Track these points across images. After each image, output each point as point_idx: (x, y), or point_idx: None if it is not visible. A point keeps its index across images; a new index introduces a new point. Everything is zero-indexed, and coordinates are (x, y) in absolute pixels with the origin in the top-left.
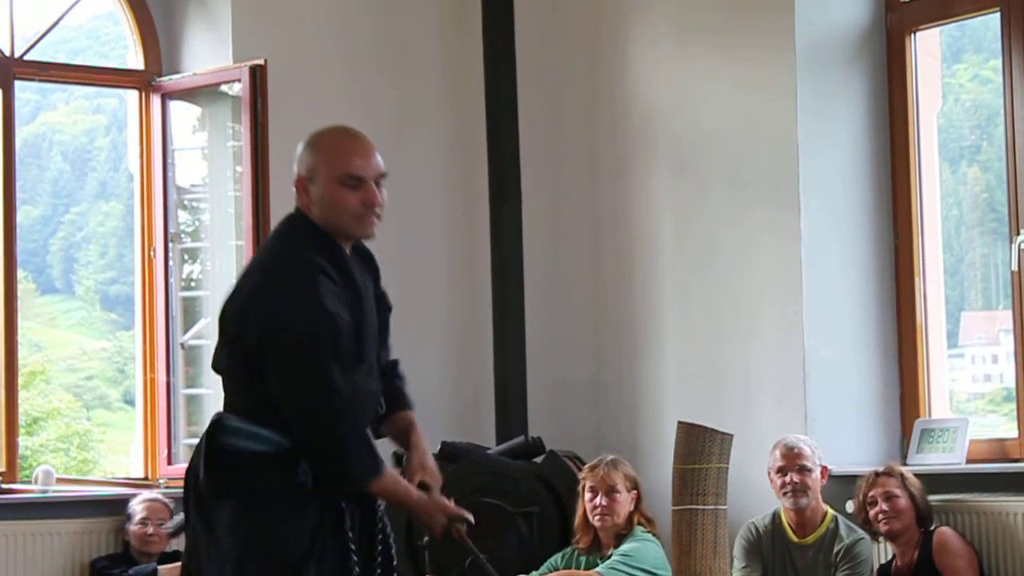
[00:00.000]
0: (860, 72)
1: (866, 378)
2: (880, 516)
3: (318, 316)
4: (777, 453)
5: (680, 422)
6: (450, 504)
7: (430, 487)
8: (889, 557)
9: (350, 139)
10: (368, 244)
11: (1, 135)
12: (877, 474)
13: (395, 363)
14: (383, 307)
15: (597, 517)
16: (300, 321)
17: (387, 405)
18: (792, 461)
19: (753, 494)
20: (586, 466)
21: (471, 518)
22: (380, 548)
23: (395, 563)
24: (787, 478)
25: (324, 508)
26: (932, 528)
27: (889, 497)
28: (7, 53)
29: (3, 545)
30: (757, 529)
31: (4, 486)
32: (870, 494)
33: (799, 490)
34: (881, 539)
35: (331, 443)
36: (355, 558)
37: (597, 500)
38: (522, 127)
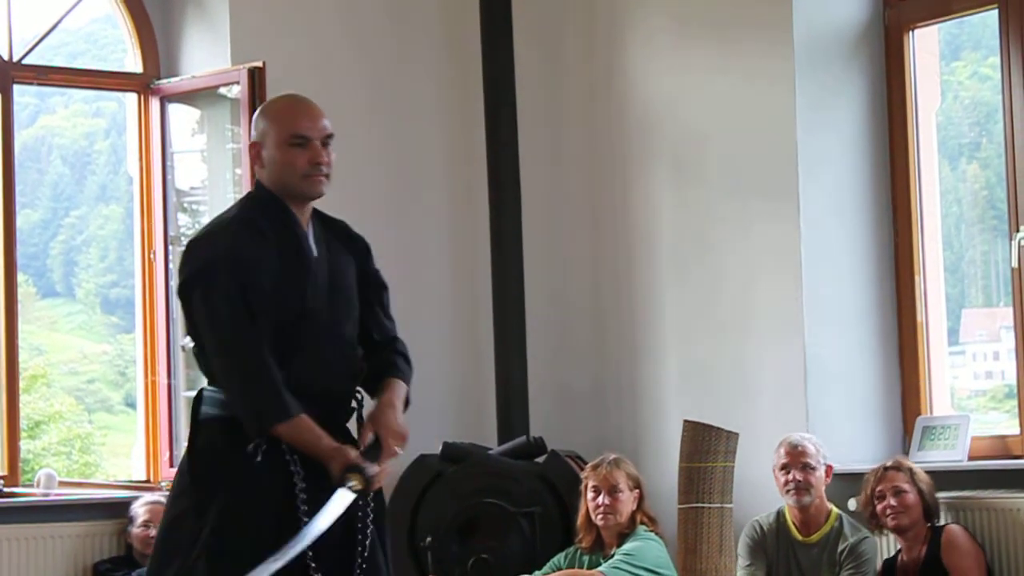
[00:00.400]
0: (859, 69)
1: (867, 376)
2: (888, 511)
3: (215, 256)
4: (781, 451)
5: (686, 421)
6: (353, 455)
7: (379, 439)
8: (894, 551)
9: (297, 103)
10: (373, 241)
11: (0, 139)
12: (885, 468)
13: (394, 339)
14: (372, 283)
15: (600, 516)
16: (199, 261)
17: (377, 374)
18: (796, 459)
19: (754, 492)
20: (588, 465)
21: (371, 470)
22: (360, 544)
23: (381, 562)
24: (790, 476)
25: (274, 477)
26: (941, 525)
27: (897, 492)
28: (6, 57)
29: (5, 548)
30: (761, 527)
31: (6, 489)
32: (878, 488)
33: (802, 488)
34: (887, 533)
35: (231, 380)
36: (305, 519)
37: (600, 499)
38: (521, 128)
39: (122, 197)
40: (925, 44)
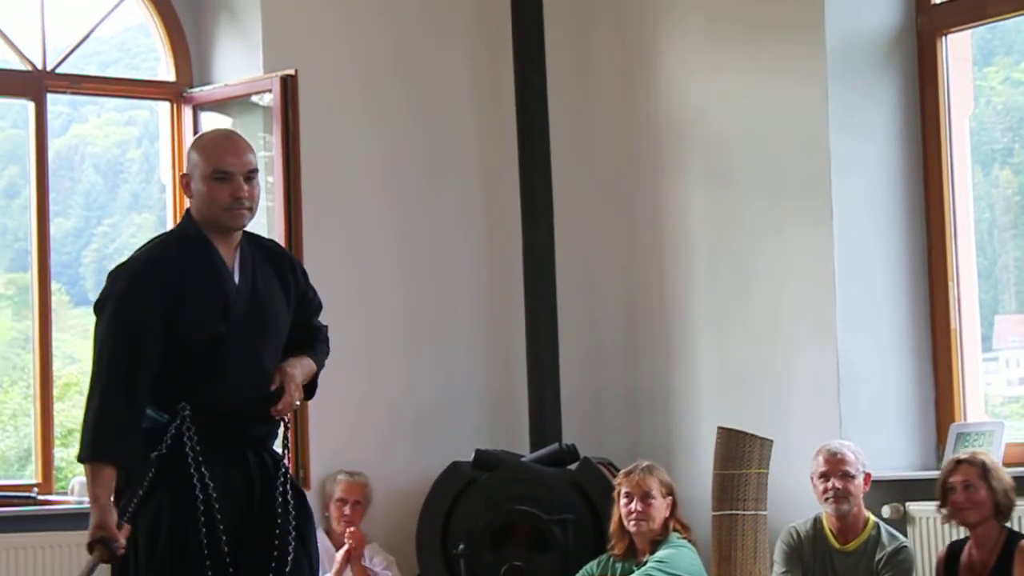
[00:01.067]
0: (891, 76)
1: (901, 383)
2: (956, 505)
3: (127, 284)
4: (820, 459)
5: (720, 427)
6: (108, 529)
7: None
8: (959, 536)
9: (223, 139)
10: (408, 246)
11: (34, 148)
12: (958, 461)
13: (317, 329)
14: (307, 304)
15: (632, 523)
16: (112, 286)
17: (293, 351)
18: (835, 467)
19: (788, 499)
20: (621, 472)
21: (117, 548)
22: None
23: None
24: (829, 484)
25: (175, 485)
26: (1019, 536)
27: (967, 486)
28: (39, 66)
29: (40, 556)
30: (798, 534)
31: (40, 497)
32: (949, 480)
33: (841, 496)
34: (954, 524)
35: (88, 399)
36: (207, 542)
37: (632, 505)
38: (554, 137)
39: (154, 205)
40: (958, 49)
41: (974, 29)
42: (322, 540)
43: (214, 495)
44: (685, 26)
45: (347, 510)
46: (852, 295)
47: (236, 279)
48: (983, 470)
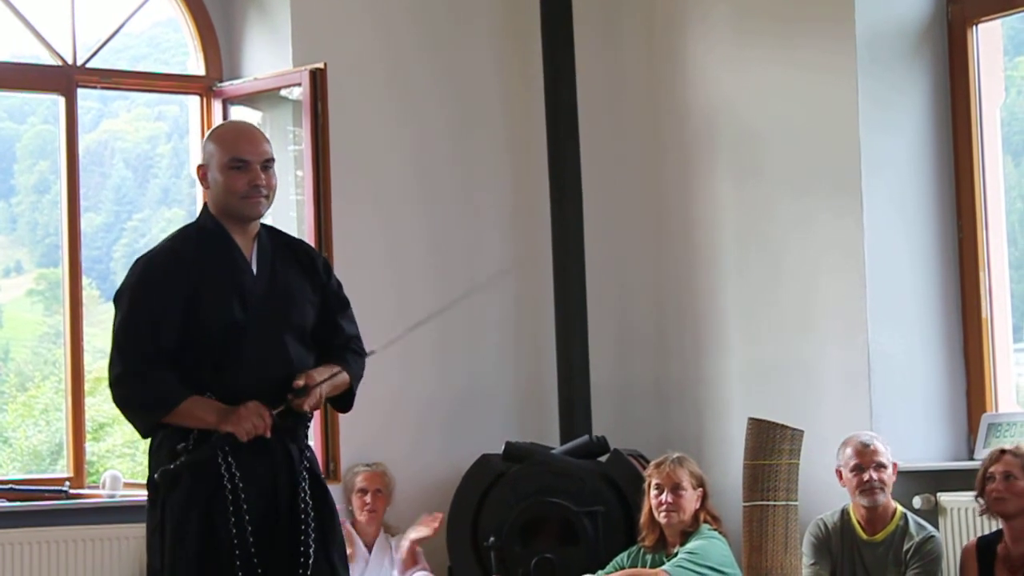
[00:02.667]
0: (922, 66)
1: (932, 373)
2: (995, 494)
3: (146, 274)
4: (850, 451)
5: (751, 418)
6: (249, 408)
7: (306, 385)
8: (994, 529)
9: (240, 129)
10: (438, 237)
11: (65, 143)
12: (1002, 451)
13: (350, 337)
14: (333, 300)
15: (663, 514)
16: (133, 277)
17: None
18: (869, 458)
19: (818, 490)
20: (652, 463)
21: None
22: (303, 533)
23: (336, 560)
24: (865, 476)
25: (203, 475)
26: None
27: (1007, 476)
28: (69, 61)
29: (72, 550)
30: (826, 525)
31: (72, 491)
32: (990, 470)
33: (877, 488)
34: (995, 518)
35: (122, 382)
36: (236, 532)
37: (663, 497)
38: (582, 127)
39: (184, 200)
40: (989, 39)
41: (1005, 19)
42: (348, 532)
43: (240, 484)
44: (713, 18)
45: (368, 499)
46: (883, 286)
47: (254, 269)
48: None
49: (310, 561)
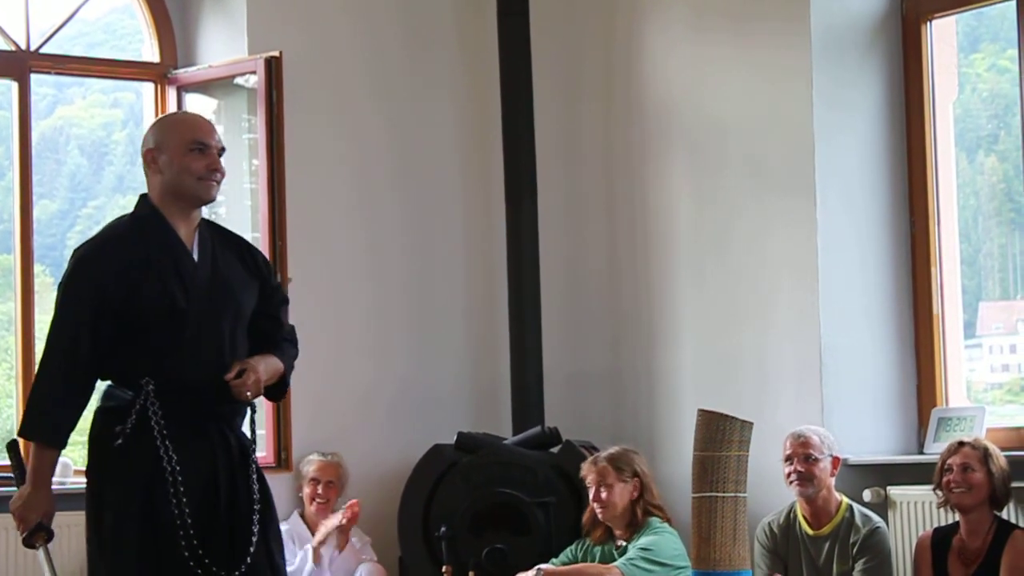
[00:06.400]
0: (876, 60)
1: (883, 367)
2: (952, 485)
3: (82, 265)
4: (787, 442)
5: (700, 410)
6: (47, 513)
7: (241, 371)
8: (949, 521)
9: (196, 116)
10: (384, 227)
11: (18, 129)
12: (961, 443)
13: (287, 330)
14: (273, 298)
15: (598, 510)
16: (70, 267)
17: (261, 349)
18: (797, 450)
19: (769, 483)
20: (583, 463)
21: (51, 532)
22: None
23: (275, 551)
24: (792, 467)
25: (143, 460)
26: (1011, 526)
27: (965, 468)
28: (23, 46)
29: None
30: (772, 529)
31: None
32: (948, 461)
33: (804, 479)
34: (952, 510)
35: (37, 373)
36: (178, 512)
37: (592, 494)
38: (537, 118)
39: (139, 187)
40: (943, 35)
41: (959, 15)
42: (295, 523)
43: (178, 468)
44: (670, 9)
45: (320, 489)
46: (835, 279)
47: (195, 256)
48: (984, 454)
49: (250, 548)
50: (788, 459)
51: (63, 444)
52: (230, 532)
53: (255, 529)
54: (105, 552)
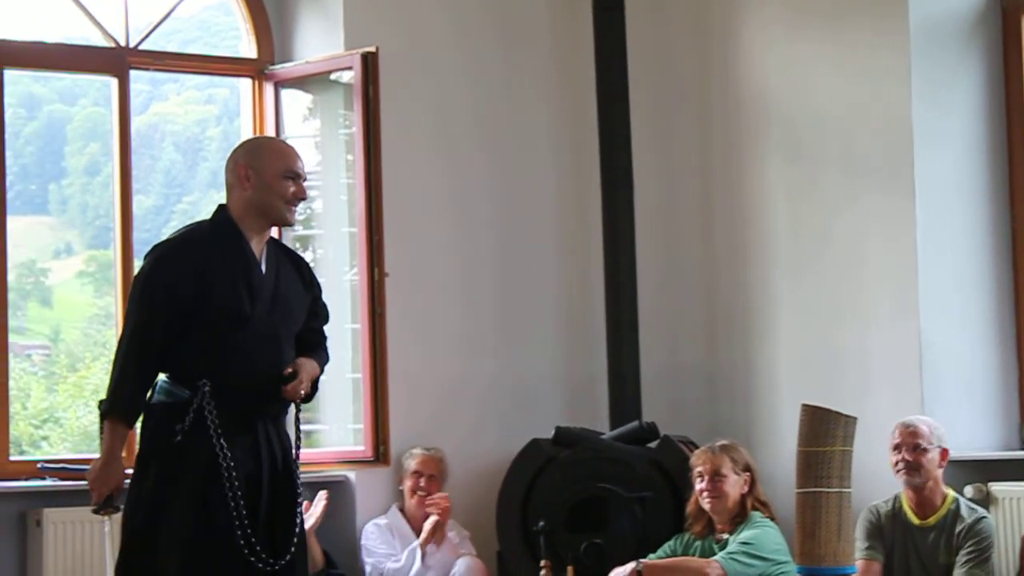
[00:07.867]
0: (975, 54)
1: (983, 363)
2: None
3: (161, 262)
4: (896, 432)
5: (804, 405)
6: (116, 485)
7: (295, 371)
8: None
9: (290, 147)
10: (481, 231)
11: (118, 124)
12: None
13: (323, 338)
14: (319, 314)
15: (706, 501)
16: (150, 262)
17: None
18: (907, 439)
19: (870, 478)
20: (696, 451)
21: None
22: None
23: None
24: (900, 455)
25: (199, 458)
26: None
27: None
28: (122, 43)
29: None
30: (878, 512)
31: None
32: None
33: (912, 468)
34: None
35: (114, 362)
36: (233, 505)
37: (703, 484)
38: (634, 112)
39: None
40: None
41: None
42: (393, 516)
43: (232, 464)
44: (767, 11)
45: (423, 482)
46: (935, 273)
47: (263, 269)
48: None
49: (293, 540)
50: (896, 448)
51: (133, 424)
52: (270, 524)
53: (298, 521)
54: (160, 545)
